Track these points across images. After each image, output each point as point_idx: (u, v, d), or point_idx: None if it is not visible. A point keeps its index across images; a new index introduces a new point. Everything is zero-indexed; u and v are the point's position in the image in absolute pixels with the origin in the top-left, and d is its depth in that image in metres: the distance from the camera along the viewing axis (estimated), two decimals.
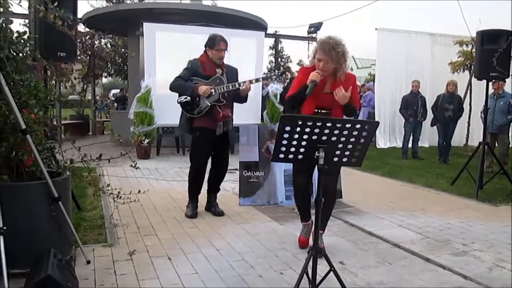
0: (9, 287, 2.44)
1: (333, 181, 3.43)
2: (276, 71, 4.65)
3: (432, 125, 9.24)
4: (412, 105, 9.15)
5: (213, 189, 4.74)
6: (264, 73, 4.55)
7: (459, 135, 10.76)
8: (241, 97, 4.52)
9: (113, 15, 10.58)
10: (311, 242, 3.52)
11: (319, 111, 3.38)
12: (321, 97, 3.38)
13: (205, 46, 4.46)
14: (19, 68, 3.04)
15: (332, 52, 3.25)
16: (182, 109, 4.47)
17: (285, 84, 11.51)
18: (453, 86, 8.65)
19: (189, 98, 4.34)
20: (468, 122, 10.43)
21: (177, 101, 4.44)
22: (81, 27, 11.97)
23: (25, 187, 2.93)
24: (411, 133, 9.29)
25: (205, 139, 4.42)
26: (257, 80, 4.49)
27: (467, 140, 10.65)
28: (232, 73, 4.56)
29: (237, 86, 4.36)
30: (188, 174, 4.67)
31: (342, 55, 3.29)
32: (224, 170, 4.72)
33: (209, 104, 4.36)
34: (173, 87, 4.42)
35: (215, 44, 4.38)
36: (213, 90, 4.31)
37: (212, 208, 4.68)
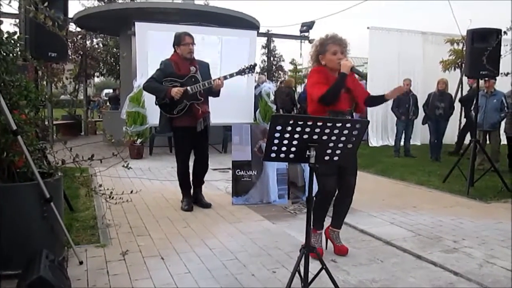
0: None
1: (353, 180, 3.45)
2: (247, 64, 4.80)
3: (423, 123, 9.31)
4: (404, 104, 9.21)
5: (198, 183, 4.93)
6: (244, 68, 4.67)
7: (450, 133, 10.82)
8: (213, 92, 4.67)
9: (104, 14, 10.54)
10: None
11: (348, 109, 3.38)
12: (345, 96, 3.34)
13: (173, 45, 4.62)
14: (10, 69, 3.02)
15: (345, 41, 3.36)
16: (161, 110, 4.64)
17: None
18: (443, 84, 8.74)
19: (167, 99, 4.48)
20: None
21: (155, 103, 4.62)
22: (72, 27, 11.91)
23: (17, 188, 2.91)
24: (403, 131, 9.36)
25: (187, 137, 4.64)
26: (231, 76, 4.60)
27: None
28: (204, 68, 4.71)
29: (212, 83, 4.53)
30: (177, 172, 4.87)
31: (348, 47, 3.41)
32: (206, 163, 4.91)
33: (188, 103, 4.52)
34: (147, 88, 4.62)
35: (180, 40, 4.55)
36: (188, 89, 4.45)
37: (199, 201, 4.86)
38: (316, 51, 3.42)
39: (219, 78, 4.54)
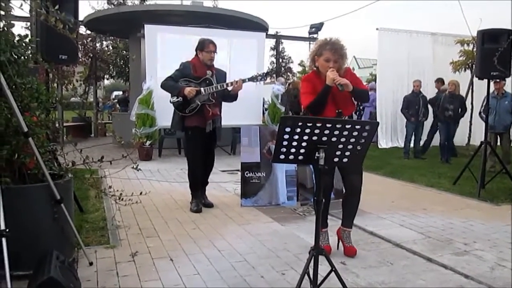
0: None
1: (359, 180, 3.47)
2: (259, 72, 4.95)
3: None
4: (413, 105, 9.15)
5: (202, 183, 5.00)
6: (257, 75, 4.84)
7: (461, 134, 10.73)
8: (231, 96, 4.80)
9: (114, 17, 10.62)
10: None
11: (338, 111, 3.43)
12: (334, 101, 3.41)
13: (196, 49, 4.75)
14: (21, 72, 3.06)
15: (341, 51, 3.38)
16: (175, 108, 4.75)
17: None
18: (453, 86, 8.70)
19: (181, 98, 4.61)
20: (470, 122, 10.41)
21: (170, 101, 4.74)
22: (82, 30, 12.01)
23: (28, 190, 2.94)
24: (413, 133, 9.30)
25: (197, 137, 4.71)
26: (243, 81, 4.69)
27: (469, 140, 10.63)
28: (221, 75, 4.83)
29: (225, 86, 4.65)
30: (187, 173, 4.94)
31: (345, 56, 3.45)
32: (211, 164, 5.02)
33: (200, 104, 4.62)
34: (163, 86, 4.75)
35: (204, 46, 4.68)
36: (202, 90, 4.58)
37: (202, 200, 4.92)
38: (314, 51, 3.50)
39: (236, 81, 4.63)
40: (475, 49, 8.32)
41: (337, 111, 3.41)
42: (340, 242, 3.59)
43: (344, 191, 3.64)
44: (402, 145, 9.89)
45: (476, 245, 3.79)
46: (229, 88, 4.70)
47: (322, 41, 3.47)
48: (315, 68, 3.51)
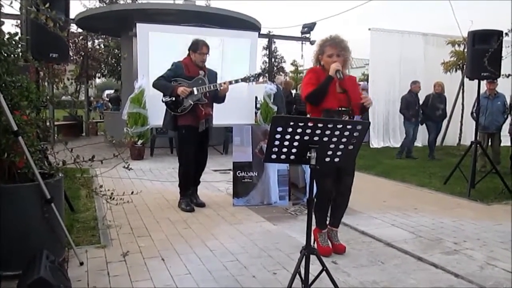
0: None
1: (350, 180, 3.52)
2: (252, 73, 5.13)
3: (421, 123, 9.40)
4: (413, 106, 9.19)
5: (194, 183, 5.01)
6: (249, 75, 4.90)
7: (452, 134, 10.81)
8: (220, 97, 4.82)
9: (106, 15, 10.55)
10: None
11: (341, 109, 3.41)
12: (338, 96, 3.42)
13: (189, 49, 4.75)
14: (11, 70, 3.03)
15: (342, 44, 3.43)
16: (167, 107, 4.74)
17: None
18: (439, 87, 9.04)
19: (173, 98, 4.61)
20: (461, 122, 10.49)
21: (162, 100, 4.73)
22: (73, 28, 11.92)
23: (17, 189, 2.91)
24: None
25: (190, 136, 4.70)
26: (236, 81, 4.75)
27: (460, 139, 10.71)
28: (212, 75, 4.86)
29: (217, 86, 4.66)
30: (178, 171, 4.94)
31: (348, 49, 3.47)
32: (203, 164, 5.03)
33: (192, 103, 4.62)
34: (155, 85, 4.74)
35: (198, 48, 4.68)
36: (194, 89, 4.58)
37: (194, 200, 4.92)
38: (317, 51, 3.54)
39: (224, 83, 4.66)
40: (466, 50, 8.38)
41: (339, 108, 3.38)
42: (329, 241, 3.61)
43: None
44: (394, 145, 9.93)
45: (466, 245, 3.82)
46: (219, 89, 4.72)
47: (322, 40, 3.51)
48: (320, 66, 3.53)
